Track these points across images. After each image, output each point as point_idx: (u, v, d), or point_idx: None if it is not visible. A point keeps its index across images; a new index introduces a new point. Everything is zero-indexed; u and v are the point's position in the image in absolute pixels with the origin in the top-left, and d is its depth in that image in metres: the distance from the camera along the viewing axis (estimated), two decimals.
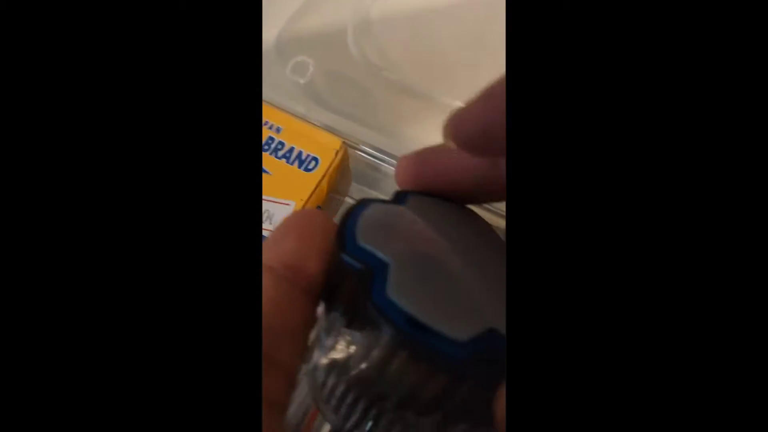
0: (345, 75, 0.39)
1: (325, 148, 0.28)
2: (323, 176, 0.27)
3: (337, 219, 0.16)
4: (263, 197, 0.25)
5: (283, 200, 0.26)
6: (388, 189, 0.32)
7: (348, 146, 0.31)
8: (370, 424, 0.17)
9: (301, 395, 0.18)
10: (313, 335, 0.16)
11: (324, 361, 0.16)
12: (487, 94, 0.14)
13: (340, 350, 0.16)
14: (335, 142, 0.28)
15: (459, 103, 0.15)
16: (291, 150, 0.27)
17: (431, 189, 0.18)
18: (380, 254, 0.14)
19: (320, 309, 0.16)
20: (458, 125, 0.15)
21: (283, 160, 0.27)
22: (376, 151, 0.31)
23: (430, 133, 0.16)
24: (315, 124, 0.29)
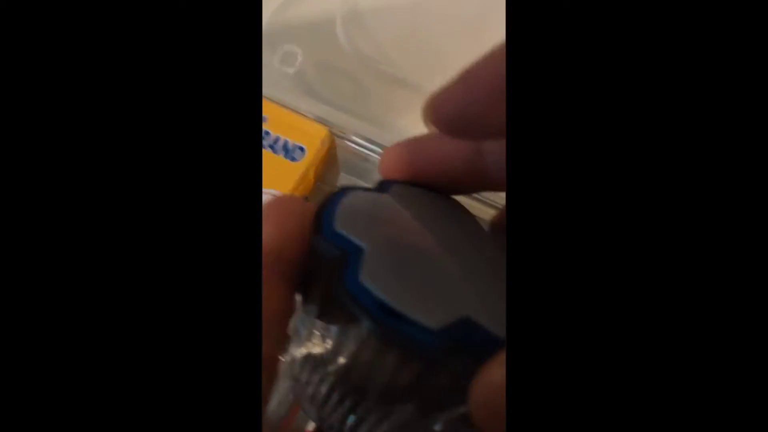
0: (334, 65, 0.38)
1: (311, 138, 0.27)
2: (309, 166, 0.27)
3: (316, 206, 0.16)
4: None
5: (268, 190, 0.25)
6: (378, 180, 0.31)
7: (337, 137, 0.30)
8: (352, 418, 0.16)
9: (283, 389, 0.17)
10: (291, 326, 0.16)
11: (301, 354, 0.16)
12: (465, 76, 0.14)
13: (317, 343, 0.16)
14: (321, 132, 0.28)
15: None
16: (276, 139, 0.27)
17: (415, 179, 0.18)
18: (356, 240, 0.14)
19: (299, 299, 0.16)
20: (437, 107, 0.14)
21: (269, 149, 0.27)
22: (366, 141, 0.31)
23: (421, 124, 0.16)
24: (302, 114, 0.29)
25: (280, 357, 0.16)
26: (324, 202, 0.15)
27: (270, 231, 0.14)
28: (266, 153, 0.27)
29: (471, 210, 0.18)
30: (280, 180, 0.26)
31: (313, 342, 0.16)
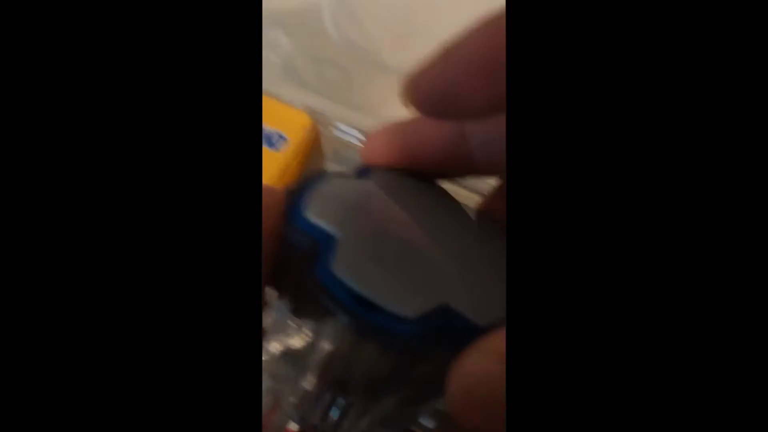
0: (322, 53, 0.38)
1: (293, 126, 0.27)
2: (292, 155, 0.26)
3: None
4: None
5: None
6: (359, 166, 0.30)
7: (325, 126, 0.29)
8: (335, 413, 0.16)
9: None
10: (266, 322, 0.16)
11: (277, 350, 0.15)
12: (443, 53, 0.13)
13: (293, 336, 0.15)
14: (305, 120, 0.27)
15: None
16: None
17: (398, 164, 0.17)
18: (328, 228, 0.13)
19: (273, 294, 0.15)
20: (415, 87, 0.14)
21: None
22: (356, 130, 0.30)
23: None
24: (287, 103, 0.28)
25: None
26: (296, 189, 0.15)
27: None
28: None
29: (458, 198, 0.18)
30: (263, 170, 0.25)
31: (289, 336, 0.16)
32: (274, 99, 0.27)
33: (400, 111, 0.15)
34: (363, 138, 0.30)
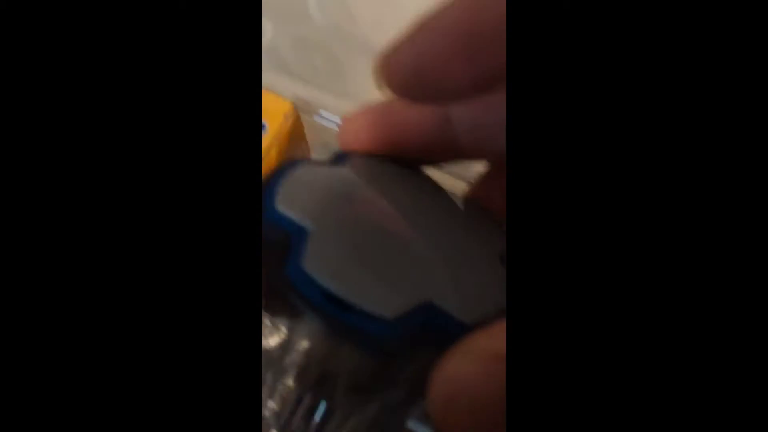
0: (306, 37, 0.36)
1: (272, 113, 0.25)
2: (271, 143, 0.25)
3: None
4: None
5: None
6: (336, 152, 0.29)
7: (311, 114, 0.28)
8: (318, 418, 0.15)
9: None
10: None
11: None
12: (417, 29, 0.12)
13: (268, 338, 0.14)
14: (284, 106, 0.26)
15: None
16: None
17: (379, 150, 0.16)
18: (299, 220, 0.12)
19: None
20: (389, 67, 0.12)
21: None
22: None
23: None
24: (268, 89, 0.27)
25: None
26: (266, 179, 0.13)
27: None
28: None
29: (444, 186, 0.17)
30: None
31: (264, 336, 0.15)
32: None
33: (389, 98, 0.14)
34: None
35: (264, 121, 0.25)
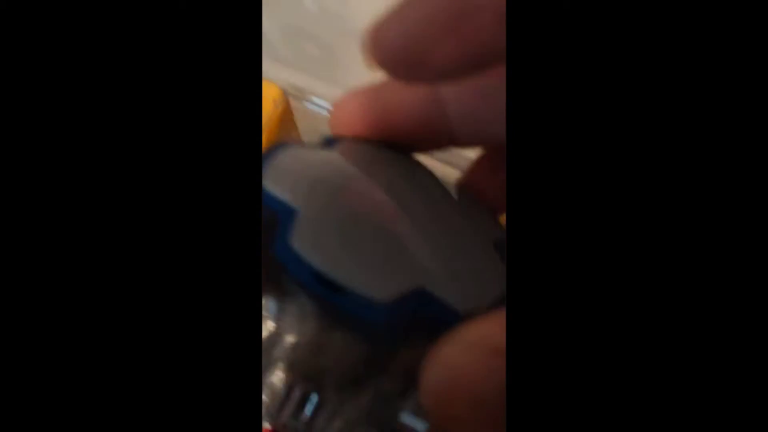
0: (300, 26, 0.36)
1: (262, 99, 0.25)
2: (261, 129, 0.25)
3: None
4: None
5: None
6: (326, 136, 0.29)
7: (302, 101, 0.28)
8: (309, 410, 0.14)
9: None
10: None
11: None
12: (405, 2, 0.12)
13: None
14: (273, 91, 0.25)
15: None
16: None
17: (369, 134, 0.16)
18: (287, 200, 0.12)
19: None
20: (376, 41, 0.12)
21: None
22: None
23: None
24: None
25: None
26: None
27: None
28: None
29: (437, 173, 0.16)
30: None
31: None
32: None
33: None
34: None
35: None
